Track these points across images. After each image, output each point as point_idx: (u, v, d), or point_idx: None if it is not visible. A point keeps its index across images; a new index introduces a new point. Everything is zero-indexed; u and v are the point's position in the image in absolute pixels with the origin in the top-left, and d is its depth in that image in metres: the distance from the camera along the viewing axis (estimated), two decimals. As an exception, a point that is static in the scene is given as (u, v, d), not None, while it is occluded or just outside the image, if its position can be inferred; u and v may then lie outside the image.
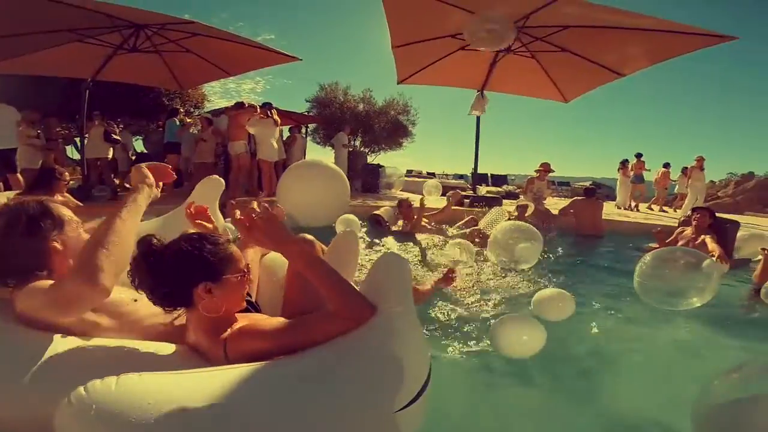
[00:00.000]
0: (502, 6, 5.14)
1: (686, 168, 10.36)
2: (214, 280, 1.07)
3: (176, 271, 1.05)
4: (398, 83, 7.86)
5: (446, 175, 21.89)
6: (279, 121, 6.92)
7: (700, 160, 9.77)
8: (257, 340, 1.06)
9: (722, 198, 14.11)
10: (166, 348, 1.14)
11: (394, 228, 5.05)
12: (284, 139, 9.02)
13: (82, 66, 6.18)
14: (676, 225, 4.87)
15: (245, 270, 1.15)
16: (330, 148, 10.46)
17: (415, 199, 5.20)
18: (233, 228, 3.69)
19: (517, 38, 5.89)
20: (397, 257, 1.27)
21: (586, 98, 7.52)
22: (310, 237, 1.65)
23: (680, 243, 4.29)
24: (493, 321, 2.00)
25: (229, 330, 1.10)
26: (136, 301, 1.22)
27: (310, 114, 14.16)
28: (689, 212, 4.90)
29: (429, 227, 5.03)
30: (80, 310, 1.05)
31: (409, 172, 18.83)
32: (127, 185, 9.16)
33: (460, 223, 5.36)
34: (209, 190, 2.35)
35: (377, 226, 5.11)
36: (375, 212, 5.30)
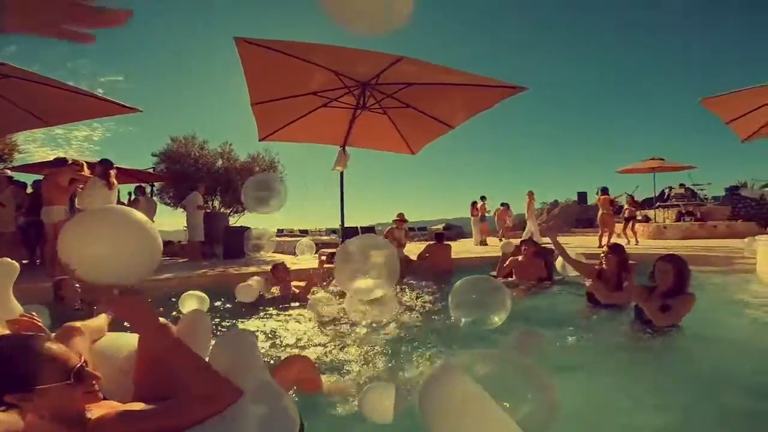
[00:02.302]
0: (357, 66, 5.64)
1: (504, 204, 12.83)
2: (26, 391, 0.95)
3: None
4: (259, 140, 7.75)
5: (320, 231, 21.91)
6: (115, 183, 5.98)
7: (531, 194, 11.57)
8: (126, 425, 1.04)
9: (540, 225, 17.28)
10: None
11: (268, 296, 4.64)
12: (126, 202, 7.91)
13: None
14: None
15: (75, 370, 1.02)
16: (182, 210, 9.38)
17: (286, 261, 5.01)
18: (35, 313, 2.94)
19: (371, 95, 6.49)
20: (240, 332, 1.30)
21: (431, 149, 8.53)
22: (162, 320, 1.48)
23: (513, 268, 5.12)
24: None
25: (90, 419, 1.04)
26: None
27: (157, 170, 12.57)
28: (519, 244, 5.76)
29: (301, 289, 4.76)
30: None
31: (280, 232, 18.25)
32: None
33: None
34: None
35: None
36: (243, 284, 4.69)
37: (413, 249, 7.54)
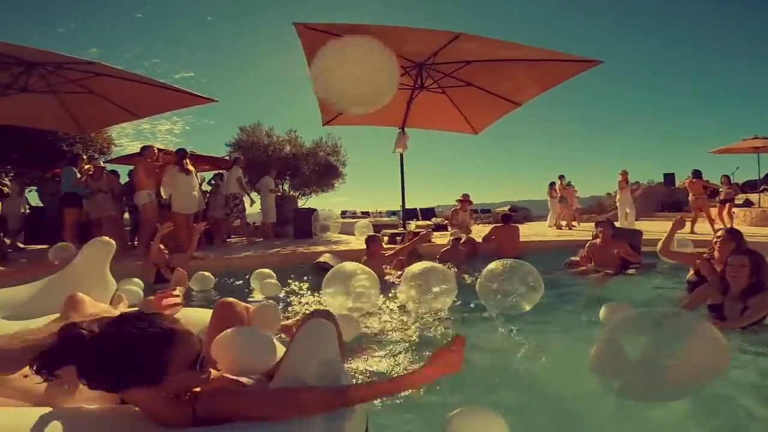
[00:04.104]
0: (414, 45, 5.50)
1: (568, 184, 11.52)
2: (155, 382, 0.93)
3: (100, 375, 0.92)
4: (323, 125, 7.95)
5: (380, 212, 22.24)
6: (192, 170, 6.51)
7: (624, 174, 10.06)
8: (235, 402, 1.02)
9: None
10: (112, 411, 1.05)
11: None
12: (206, 185, 8.61)
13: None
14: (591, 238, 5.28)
15: (201, 359, 1.00)
16: (256, 194, 10.02)
17: (350, 241, 5.11)
18: (135, 290, 3.32)
19: (429, 75, 6.30)
20: (321, 321, 1.26)
21: (497, 128, 8.15)
22: (231, 299, 1.60)
23: (591, 253, 4.73)
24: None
25: (196, 392, 1.02)
26: (26, 377, 1.08)
27: (231, 157, 13.62)
28: (595, 225, 5.31)
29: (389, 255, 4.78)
30: None
31: (344, 213, 18.81)
32: (20, 245, 8.20)
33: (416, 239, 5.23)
34: (97, 252, 2.27)
35: (323, 273, 4.77)
36: (318, 260, 5.06)
37: (478, 232, 7.31)
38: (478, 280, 3.06)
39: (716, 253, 3.12)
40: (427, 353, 2.35)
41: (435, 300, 3.10)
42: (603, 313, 2.56)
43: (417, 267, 3.28)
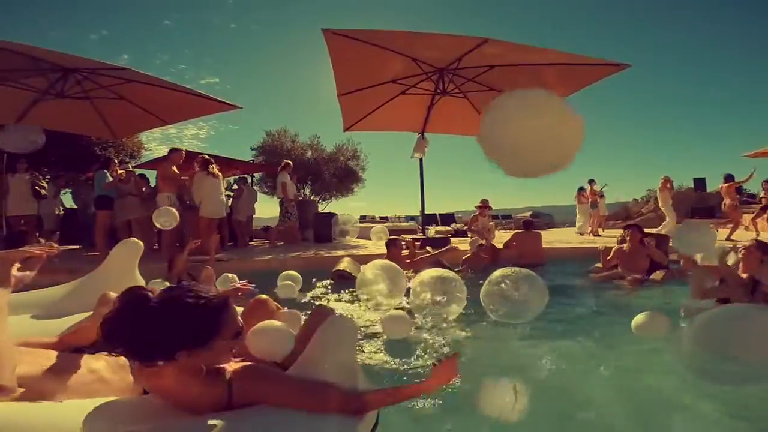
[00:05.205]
0: (439, 51, 5.49)
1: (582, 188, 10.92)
2: (203, 345, 0.99)
3: (161, 334, 0.97)
4: (344, 131, 8.00)
5: (398, 217, 22.23)
6: (219, 175, 6.62)
7: (666, 180, 9.53)
8: (275, 386, 1.06)
9: (646, 214, 15.33)
10: (146, 400, 1.08)
11: (356, 275, 4.73)
12: (231, 190, 8.77)
13: (1, 111, 5.66)
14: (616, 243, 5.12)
15: (240, 331, 1.07)
16: (278, 198, 10.17)
17: (368, 245, 5.06)
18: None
19: (451, 80, 6.27)
20: (342, 320, 1.31)
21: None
22: (264, 297, 1.66)
23: (618, 258, 4.61)
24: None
25: (229, 370, 1.05)
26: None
27: (256, 162, 13.89)
28: (624, 228, 5.11)
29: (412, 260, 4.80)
30: None
31: (362, 218, 18.87)
32: (54, 244, 8.49)
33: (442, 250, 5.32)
34: (126, 253, 2.32)
35: (343, 281, 4.70)
36: (336, 269, 4.93)
37: (499, 238, 7.17)
38: (483, 287, 2.97)
39: (741, 262, 3.03)
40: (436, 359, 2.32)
41: (443, 308, 3.02)
42: (636, 322, 2.46)
43: (426, 275, 3.19)
